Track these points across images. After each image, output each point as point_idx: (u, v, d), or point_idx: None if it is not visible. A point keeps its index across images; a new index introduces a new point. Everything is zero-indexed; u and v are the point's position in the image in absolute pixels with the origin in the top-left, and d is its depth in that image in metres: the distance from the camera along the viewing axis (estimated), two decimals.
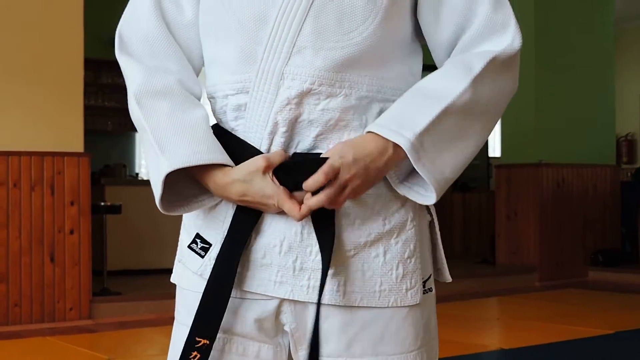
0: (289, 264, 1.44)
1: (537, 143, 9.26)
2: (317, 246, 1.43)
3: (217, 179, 1.42)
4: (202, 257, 1.48)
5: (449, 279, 1.58)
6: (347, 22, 1.41)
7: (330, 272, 1.43)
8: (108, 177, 8.67)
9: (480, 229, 10.68)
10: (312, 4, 1.40)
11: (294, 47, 1.40)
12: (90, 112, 7.52)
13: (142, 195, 8.40)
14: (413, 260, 1.48)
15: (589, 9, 9.66)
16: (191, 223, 1.52)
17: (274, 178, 1.40)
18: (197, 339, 1.43)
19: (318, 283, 1.42)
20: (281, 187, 1.39)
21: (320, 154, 1.41)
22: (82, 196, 6.40)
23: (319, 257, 1.43)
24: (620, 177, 10.23)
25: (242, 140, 1.45)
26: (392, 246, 1.46)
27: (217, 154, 1.41)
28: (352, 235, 1.44)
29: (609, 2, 9.93)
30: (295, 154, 1.43)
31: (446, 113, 1.40)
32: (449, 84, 1.42)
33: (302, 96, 1.41)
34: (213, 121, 1.54)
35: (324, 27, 1.40)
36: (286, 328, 1.48)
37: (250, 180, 1.40)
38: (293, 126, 1.42)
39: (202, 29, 1.52)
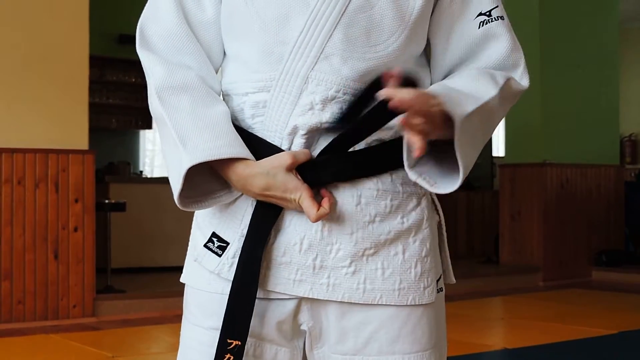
0: (309, 262, 1.44)
1: (542, 143, 9.25)
2: (338, 244, 1.44)
3: (240, 171, 1.42)
4: (220, 255, 1.48)
5: (453, 280, 1.60)
6: (375, 34, 1.44)
7: (350, 269, 1.44)
8: (112, 174, 8.67)
9: (484, 228, 10.67)
10: (344, 12, 1.42)
11: (322, 52, 1.42)
12: (95, 110, 7.51)
13: (146, 193, 8.40)
14: (429, 259, 1.50)
15: (594, 10, 9.65)
16: (206, 222, 1.52)
17: (298, 175, 1.41)
18: (229, 340, 1.42)
19: (338, 281, 1.44)
20: (305, 184, 1.40)
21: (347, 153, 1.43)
22: (87, 194, 6.40)
23: (340, 254, 1.44)
24: (624, 177, 10.21)
25: (262, 138, 1.46)
26: (411, 244, 1.48)
27: (239, 148, 1.42)
28: (373, 232, 1.45)
29: (614, 3, 9.92)
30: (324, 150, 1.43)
31: (480, 110, 1.43)
32: (483, 86, 1.46)
33: (326, 102, 1.42)
34: None
35: (353, 36, 1.42)
36: (303, 327, 1.49)
37: (275, 174, 1.40)
38: (314, 130, 1.43)
39: (225, 27, 1.52)
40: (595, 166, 9.64)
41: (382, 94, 1.33)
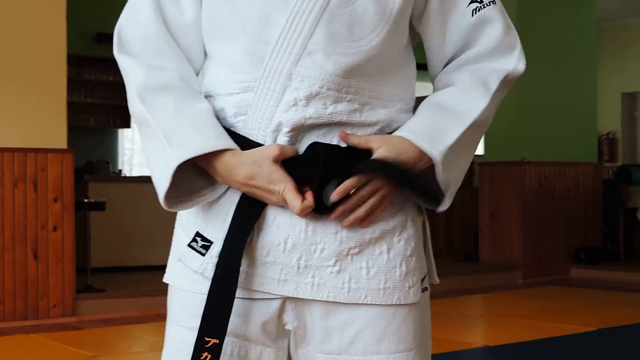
0: (294, 262, 1.44)
1: (520, 141, 9.29)
2: (322, 243, 1.44)
3: (226, 160, 1.42)
4: (203, 255, 1.47)
5: (436, 280, 1.61)
6: (357, 29, 1.44)
7: (334, 269, 1.44)
8: (91, 173, 8.63)
9: (463, 226, 10.71)
10: (325, 8, 1.42)
11: (304, 49, 1.42)
12: (73, 109, 7.47)
13: (125, 192, 8.37)
14: (414, 258, 1.51)
15: (572, 9, 9.70)
16: (190, 222, 1.51)
17: (283, 168, 1.41)
18: (207, 339, 1.42)
19: (323, 280, 1.44)
20: (290, 177, 1.40)
21: (336, 145, 1.43)
22: (66, 193, 6.37)
23: (324, 254, 1.44)
24: (602, 175, 10.28)
25: (245, 137, 1.46)
26: (395, 244, 1.48)
27: (225, 139, 1.43)
28: (357, 231, 1.45)
29: (591, 2, 9.97)
30: (314, 143, 1.44)
31: (469, 128, 1.47)
32: (471, 101, 1.49)
33: (310, 98, 1.42)
34: None
35: (335, 32, 1.43)
36: (288, 327, 1.49)
37: (261, 164, 1.40)
38: (299, 127, 1.43)
39: (206, 29, 1.52)
40: (574, 164, 9.69)
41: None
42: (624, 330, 6.22)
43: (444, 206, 1.49)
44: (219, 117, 1.49)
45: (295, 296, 1.45)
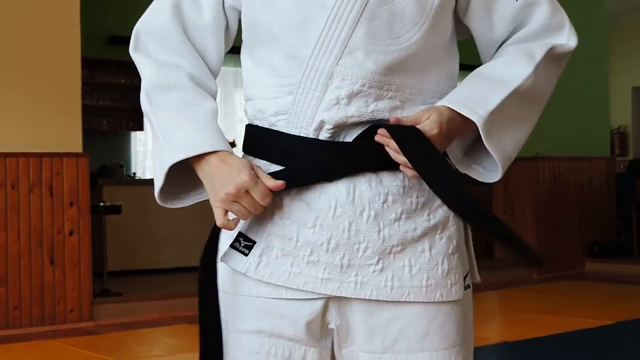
0: (337, 261, 1.45)
1: (533, 136, 9.11)
2: (365, 242, 1.44)
3: (212, 161, 1.44)
4: (246, 255, 1.48)
5: (478, 279, 1.61)
6: (397, 26, 1.45)
7: (377, 267, 1.45)
8: (105, 177, 8.63)
9: None
10: (365, 6, 1.43)
11: (345, 47, 1.43)
12: (86, 112, 7.46)
13: (140, 195, 8.37)
14: (456, 256, 1.51)
15: (583, 3, 9.67)
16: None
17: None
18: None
19: (365, 279, 1.45)
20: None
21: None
22: (82, 197, 6.37)
23: (367, 253, 1.45)
24: (615, 169, 10.25)
25: (287, 133, 1.47)
26: (437, 241, 1.49)
27: (218, 142, 1.45)
28: (399, 229, 1.46)
29: None
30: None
31: (512, 95, 1.47)
32: (515, 69, 1.50)
33: (352, 97, 1.44)
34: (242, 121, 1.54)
35: (376, 30, 1.44)
36: (331, 326, 1.49)
37: (240, 170, 1.43)
38: (341, 125, 1.45)
39: (248, 35, 1.54)
40: (587, 159, 9.67)
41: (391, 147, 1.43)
42: None
43: (494, 177, 1.52)
44: (261, 117, 1.51)
45: (338, 295, 1.45)
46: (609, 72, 10.26)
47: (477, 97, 1.46)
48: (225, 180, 1.43)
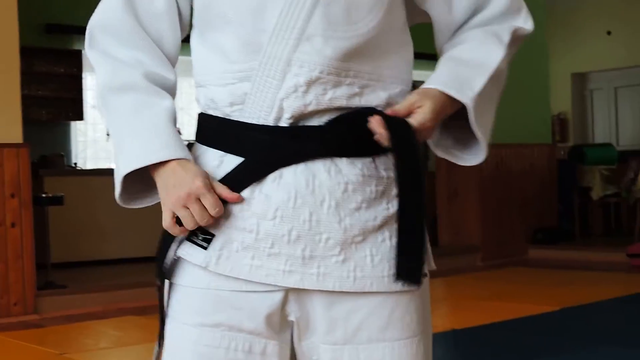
0: (298, 253, 1.43)
1: None
2: (327, 233, 1.43)
3: (168, 166, 1.43)
4: (206, 248, 1.45)
5: (433, 266, 1.60)
6: (354, 12, 1.43)
7: (339, 257, 1.44)
8: (46, 168, 8.48)
9: None
10: None
11: (303, 34, 1.41)
12: (25, 102, 7.32)
13: (82, 186, 8.26)
14: None
15: None
16: None
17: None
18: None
19: (328, 270, 1.43)
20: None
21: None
22: (23, 188, 6.25)
23: (329, 244, 1.43)
24: (556, 155, 10.39)
25: (244, 122, 1.44)
26: (396, 230, 1.46)
27: (172, 149, 1.43)
28: (360, 219, 1.45)
29: None
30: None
31: (491, 77, 1.50)
32: (489, 52, 1.52)
33: (310, 84, 1.42)
34: (195, 109, 1.52)
35: (333, 16, 1.42)
36: (291, 318, 1.48)
37: (194, 176, 1.42)
38: (299, 114, 1.43)
39: (200, 19, 1.51)
40: (529, 145, 9.78)
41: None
42: (586, 309, 6.29)
43: (476, 159, 1.55)
44: (215, 107, 1.48)
45: (301, 287, 1.44)
46: (549, 59, 10.38)
47: (462, 80, 1.47)
48: (178, 184, 1.41)
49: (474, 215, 9.25)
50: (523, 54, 9.67)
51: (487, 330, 5.53)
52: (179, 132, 1.50)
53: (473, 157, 1.55)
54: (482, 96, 1.48)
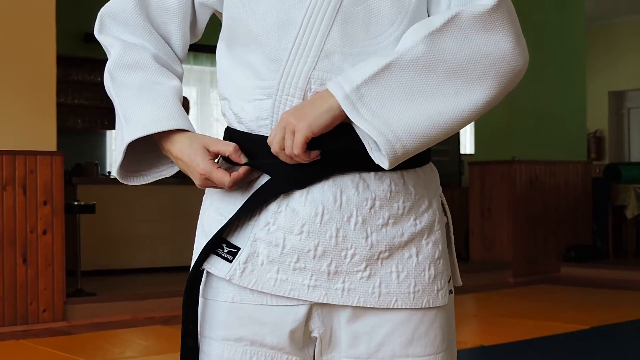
0: (324, 268, 1.41)
1: (510, 140, 9.29)
2: (353, 249, 1.41)
3: (173, 138, 1.46)
4: (230, 261, 1.44)
5: (459, 282, 1.59)
6: (374, 26, 1.40)
7: (365, 273, 1.42)
8: (79, 176, 8.55)
9: (453, 225, 10.69)
10: (339, 7, 1.39)
11: (321, 51, 1.39)
12: (61, 110, 7.40)
13: (115, 194, 8.30)
14: (441, 261, 1.49)
15: (560, 9, 9.71)
16: (213, 229, 1.48)
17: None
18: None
19: (353, 286, 1.42)
20: (215, 164, 1.44)
21: None
22: (55, 196, 6.30)
23: (355, 259, 1.41)
24: (591, 173, 10.29)
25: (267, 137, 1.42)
26: (424, 247, 1.46)
27: (178, 120, 1.46)
28: (387, 235, 1.43)
29: (580, 2, 9.98)
30: None
31: (393, 67, 1.33)
32: (404, 40, 1.37)
33: None
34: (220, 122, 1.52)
35: (352, 31, 1.39)
36: (314, 334, 1.46)
37: (191, 142, 1.44)
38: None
39: (229, 34, 1.50)
40: (563, 163, 9.70)
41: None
42: (617, 328, 6.22)
43: (385, 163, 1.34)
44: (241, 122, 1.47)
45: (325, 302, 1.42)
46: (586, 76, 10.30)
47: (351, 72, 1.35)
48: (188, 169, 1.45)
49: (506, 231, 9.17)
50: (561, 70, 9.68)
51: (515, 347, 5.48)
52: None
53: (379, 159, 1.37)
54: (379, 87, 1.33)
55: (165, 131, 1.45)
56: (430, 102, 1.34)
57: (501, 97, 1.39)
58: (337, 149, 1.39)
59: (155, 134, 1.45)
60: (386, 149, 1.32)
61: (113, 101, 1.52)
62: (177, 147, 1.45)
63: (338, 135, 1.38)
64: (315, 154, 1.37)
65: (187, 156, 1.44)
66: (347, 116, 1.34)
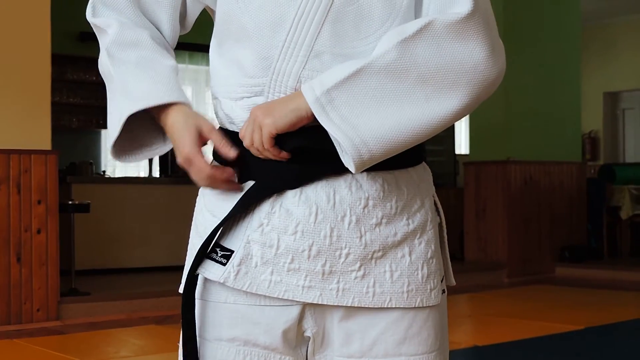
0: (318, 268, 1.41)
1: (505, 140, 9.30)
2: (347, 248, 1.41)
3: (171, 112, 1.45)
4: (224, 264, 1.43)
5: (452, 282, 1.59)
6: (364, 26, 1.40)
7: (359, 273, 1.42)
8: (74, 175, 8.54)
9: (448, 225, 10.62)
10: (330, 7, 1.38)
11: (311, 51, 1.39)
12: (56, 109, 7.39)
13: (109, 194, 8.30)
14: (434, 260, 1.50)
15: (557, 9, 9.71)
16: (208, 231, 1.47)
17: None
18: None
19: (347, 286, 1.42)
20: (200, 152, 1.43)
21: None
22: (50, 195, 6.29)
23: (349, 259, 1.41)
24: (586, 174, 10.31)
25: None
26: (417, 246, 1.47)
27: (177, 93, 1.45)
28: (380, 234, 1.43)
29: (576, 2, 9.99)
30: None
31: (364, 72, 1.33)
32: (378, 46, 1.36)
33: None
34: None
35: (342, 31, 1.39)
36: (307, 333, 1.47)
37: (185, 123, 1.43)
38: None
39: (221, 30, 1.50)
40: (558, 163, 9.71)
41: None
42: (611, 329, 6.22)
43: (352, 167, 1.34)
44: (230, 121, 1.47)
45: (320, 302, 1.42)
46: (581, 77, 10.31)
47: (324, 76, 1.35)
48: (176, 146, 1.44)
49: (501, 232, 9.18)
50: (556, 71, 9.70)
51: (509, 347, 5.48)
52: None
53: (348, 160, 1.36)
54: (349, 91, 1.32)
55: (163, 105, 1.45)
56: (399, 108, 1.33)
57: (474, 105, 1.38)
58: (327, 149, 1.38)
59: (153, 108, 1.45)
60: (352, 153, 1.32)
61: (108, 79, 1.51)
62: (170, 121, 1.44)
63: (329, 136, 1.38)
64: (285, 155, 1.38)
65: (177, 132, 1.43)
66: (315, 118, 1.34)
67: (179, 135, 1.43)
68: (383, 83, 1.33)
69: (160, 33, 1.55)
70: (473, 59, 1.35)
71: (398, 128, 1.33)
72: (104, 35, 1.51)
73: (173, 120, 1.44)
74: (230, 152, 1.42)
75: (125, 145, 1.52)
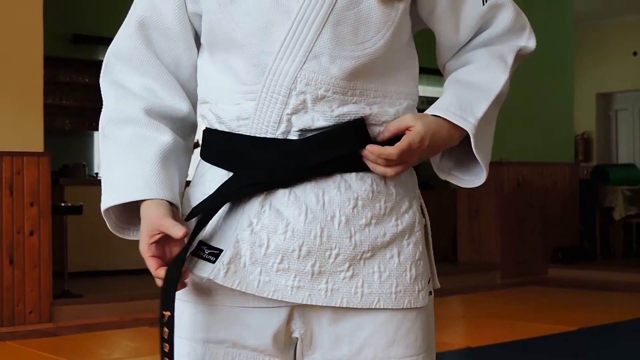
0: (307, 269, 1.42)
1: (498, 141, 9.25)
2: (337, 249, 1.42)
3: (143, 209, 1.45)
4: (213, 262, 1.43)
5: (437, 284, 1.59)
6: (362, 31, 1.42)
7: (348, 273, 1.43)
8: (67, 177, 8.52)
9: (441, 227, 10.70)
10: (331, 11, 1.40)
11: (310, 52, 1.40)
12: (48, 111, 7.37)
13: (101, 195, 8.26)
14: (422, 262, 1.50)
15: (549, 10, 9.73)
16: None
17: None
18: (164, 312, 1.42)
19: (336, 286, 1.42)
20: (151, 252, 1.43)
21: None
22: (42, 197, 6.28)
23: (338, 259, 1.42)
24: (579, 175, 10.32)
25: (250, 136, 1.43)
26: (405, 247, 1.47)
27: (152, 188, 1.44)
28: (370, 235, 1.44)
29: (568, 3, 10.01)
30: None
31: (493, 102, 1.48)
32: (494, 74, 1.51)
33: (316, 101, 1.41)
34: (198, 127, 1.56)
35: (341, 35, 1.41)
36: (295, 335, 1.47)
37: (151, 223, 1.43)
38: (307, 128, 1.42)
39: (209, 40, 1.49)
40: (551, 164, 9.72)
41: (369, 150, 1.41)
42: (604, 329, 6.24)
43: (476, 182, 1.56)
44: (217, 122, 1.47)
45: (309, 303, 1.42)
46: (574, 78, 10.33)
47: (464, 104, 1.46)
48: (140, 237, 1.45)
49: (494, 233, 9.19)
50: (549, 72, 9.69)
51: (502, 349, 5.49)
52: (197, 145, 1.49)
53: (474, 179, 1.56)
54: (483, 120, 1.47)
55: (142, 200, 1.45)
56: (494, 126, 1.54)
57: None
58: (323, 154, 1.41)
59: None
60: (485, 173, 1.53)
61: (101, 156, 1.53)
62: (140, 214, 1.45)
63: (324, 142, 1.41)
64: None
65: (142, 225, 1.44)
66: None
67: (141, 228, 1.44)
68: (495, 108, 1.50)
69: (179, 71, 1.53)
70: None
71: (491, 138, 1.54)
72: (103, 106, 1.53)
73: (141, 215, 1.45)
74: (179, 233, 1.41)
75: (127, 218, 1.53)
